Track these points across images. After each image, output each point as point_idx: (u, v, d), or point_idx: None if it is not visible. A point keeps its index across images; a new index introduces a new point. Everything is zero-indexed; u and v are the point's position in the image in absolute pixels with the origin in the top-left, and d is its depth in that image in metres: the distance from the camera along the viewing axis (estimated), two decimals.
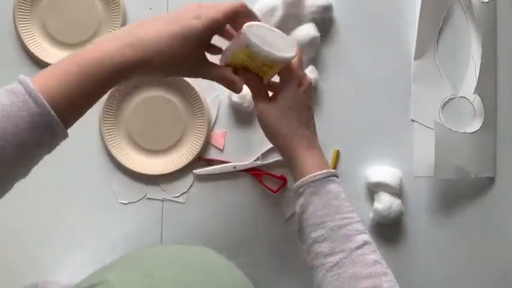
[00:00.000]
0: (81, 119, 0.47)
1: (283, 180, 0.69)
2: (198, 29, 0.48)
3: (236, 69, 0.55)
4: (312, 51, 0.69)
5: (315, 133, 0.58)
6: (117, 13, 0.68)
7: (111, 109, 0.68)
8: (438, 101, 0.72)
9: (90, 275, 0.51)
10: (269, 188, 0.69)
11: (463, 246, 0.72)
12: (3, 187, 0.43)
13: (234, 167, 0.69)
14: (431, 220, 0.72)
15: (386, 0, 0.71)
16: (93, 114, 0.67)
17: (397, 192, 0.68)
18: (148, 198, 0.70)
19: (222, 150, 0.70)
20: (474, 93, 0.71)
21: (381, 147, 0.71)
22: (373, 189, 0.70)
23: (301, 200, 0.54)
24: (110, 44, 0.46)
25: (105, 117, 0.68)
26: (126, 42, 0.46)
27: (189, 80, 0.68)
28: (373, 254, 0.51)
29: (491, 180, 0.73)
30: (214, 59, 0.55)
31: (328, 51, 0.71)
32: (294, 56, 0.54)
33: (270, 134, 0.58)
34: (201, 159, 0.70)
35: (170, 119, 0.69)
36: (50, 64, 0.65)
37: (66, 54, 0.67)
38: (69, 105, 0.44)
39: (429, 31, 0.71)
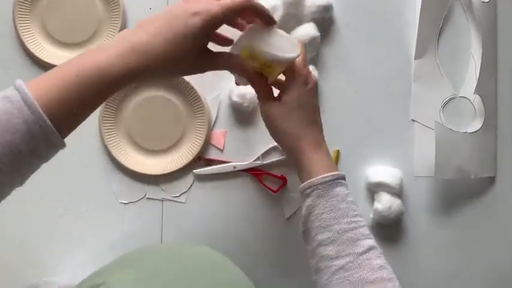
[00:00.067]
0: None
1: (283, 180, 0.69)
2: (198, 27, 0.46)
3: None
4: (312, 51, 0.69)
5: (322, 133, 0.58)
6: (117, 13, 0.68)
7: (111, 109, 0.68)
8: (438, 101, 0.71)
9: (90, 276, 0.51)
10: (269, 188, 0.69)
11: (463, 246, 0.72)
12: (0, 194, 0.42)
13: (234, 167, 0.69)
14: (432, 220, 0.71)
15: (387, 0, 0.71)
16: (93, 114, 0.66)
17: (397, 192, 0.68)
18: (148, 198, 0.70)
19: (222, 150, 0.70)
20: (474, 93, 0.71)
21: (381, 147, 0.71)
22: (373, 189, 0.70)
23: (307, 202, 0.53)
24: (109, 51, 0.44)
25: (105, 117, 0.68)
26: (125, 49, 0.44)
27: (189, 79, 0.67)
28: (378, 259, 0.50)
29: (491, 180, 0.73)
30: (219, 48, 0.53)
31: (328, 51, 0.71)
32: (296, 57, 0.53)
33: (277, 135, 0.57)
34: (201, 159, 0.69)
35: (170, 119, 0.69)
36: (50, 64, 0.67)
37: (66, 54, 0.68)
38: (66, 113, 0.43)
39: (429, 31, 0.71)
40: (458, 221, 0.72)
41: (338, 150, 0.70)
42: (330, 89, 0.71)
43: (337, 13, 0.70)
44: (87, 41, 0.68)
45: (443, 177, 0.69)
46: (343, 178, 0.54)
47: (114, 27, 0.68)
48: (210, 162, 0.70)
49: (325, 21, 0.69)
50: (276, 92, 0.58)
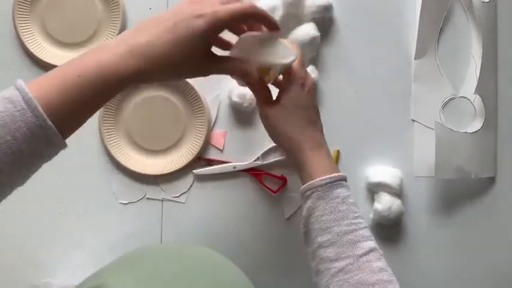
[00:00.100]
0: None
1: (283, 180, 0.69)
2: (201, 30, 0.45)
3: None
4: (312, 51, 0.69)
5: (322, 133, 0.57)
6: (117, 13, 0.68)
7: (111, 109, 0.68)
8: (439, 101, 0.71)
9: (90, 277, 0.51)
10: (269, 188, 0.69)
11: (463, 246, 0.72)
12: (1, 194, 0.42)
13: (234, 167, 0.69)
14: (432, 220, 0.71)
15: (387, 0, 0.71)
16: None
17: (398, 192, 0.68)
18: (148, 198, 0.70)
19: (222, 150, 0.70)
20: (475, 93, 0.71)
21: (381, 147, 0.71)
22: (374, 190, 0.69)
23: (308, 204, 0.53)
24: (111, 51, 0.44)
25: (105, 117, 0.68)
26: (128, 50, 0.44)
27: (188, 79, 0.67)
28: (379, 261, 0.50)
29: (491, 180, 0.73)
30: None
31: (328, 51, 0.71)
32: (292, 61, 0.53)
33: (277, 136, 0.57)
34: (201, 159, 0.69)
35: (170, 119, 0.69)
36: (50, 64, 0.67)
37: (66, 53, 0.68)
38: (68, 114, 0.42)
39: (430, 31, 0.71)
40: (458, 221, 0.72)
41: (338, 150, 0.70)
42: (330, 89, 0.71)
43: (337, 13, 0.70)
44: (87, 41, 0.68)
45: (444, 177, 0.69)
46: (344, 179, 0.54)
47: (114, 27, 0.68)
48: (210, 162, 0.70)
49: (325, 21, 0.69)
50: (274, 95, 0.58)
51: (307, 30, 0.67)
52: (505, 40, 0.72)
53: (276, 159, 0.69)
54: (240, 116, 0.70)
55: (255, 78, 0.51)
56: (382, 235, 0.70)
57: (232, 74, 0.53)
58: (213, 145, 0.70)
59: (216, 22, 0.46)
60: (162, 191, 0.70)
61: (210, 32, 0.46)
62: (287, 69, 0.55)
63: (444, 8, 0.71)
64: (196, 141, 0.69)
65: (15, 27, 0.67)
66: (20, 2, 0.67)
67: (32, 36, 0.68)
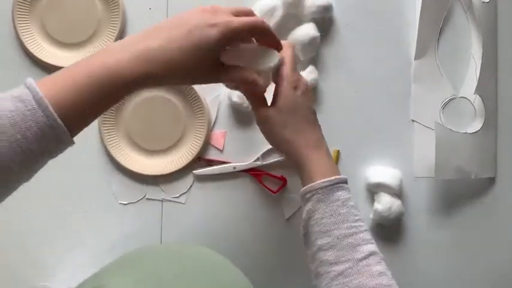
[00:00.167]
0: None
1: (283, 181, 0.69)
2: (215, 39, 0.46)
3: None
4: (312, 51, 0.69)
5: (321, 133, 0.57)
6: (117, 13, 0.68)
7: (111, 109, 0.68)
8: (438, 101, 0.71)
9: (90, 277, 0.51)
10: (269, 189, 0.69)
11: (463, 247, 0.72)
12: (8, 191, 0.43)
13: (234, 168, 0.69)
14: (432, 220, 0.71)
15: (387, 0, 0.71)
16: None
17: (397, 193, 0.68)
18: (148, 199, 0.70)
19: (221, 151, 0.70)
20: (475, 93, 0.71)
21: (381, 147, 0.71)
22: (373, 190, 0.69)
23: (307, 206, 0.53)
24: (121, 55, 0.44)
25: (105, 117, 0.68)
26: (138, 54, 0.44)
27: None
28: (378, 265, 0.50)
29: (491, 181, 0.73)
30: None
31: (328, 51, 0.70)
32: (274, 64, 0.53)
33: (276, 141, 0.57)
34: (200, 160, 0.69)
35: (170, 119, 0.69)
36: (50, 64, 0.67)
37: (66, 54, 0.68)
38: (77, 114, 0.43)
39: (430, 31, 0.71)
40: (458, 222, 0.72)
41: (338, 151, 0.70)
42: (330, 89, 0.70)
43: (337, 13, 0.70)
44: (87, 41, 0.68)
45: (444, 177, 0.69)
46: (345, 182, 0.53)
47: (114, 28, 0.68)
48: (210, 162, 0.70)
49: (325, 21, 0.69)
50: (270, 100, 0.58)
51: (307, 30, 0.67)
52: (505, 40, 0.72)
53: (276, 159, 0.69)
54: (240, 116, 0.70)
55: (262, 87, 0.52)
56: (382, 235, 0.70)
57: (240, 83, 0.54)
58: (213, 145, 0.70)
59: (228, 32, 0.46)
60: (162, 192, 0.70)
61: (223, 42, 0.47)
62: (276, 73, 0.55)
63: (444, 8, 0.71)
64: (196, 142, 0.68)
65: (14, 27, 0.67)
66: (20, 2, 0.67)
67: (31, 36, 0.68)
